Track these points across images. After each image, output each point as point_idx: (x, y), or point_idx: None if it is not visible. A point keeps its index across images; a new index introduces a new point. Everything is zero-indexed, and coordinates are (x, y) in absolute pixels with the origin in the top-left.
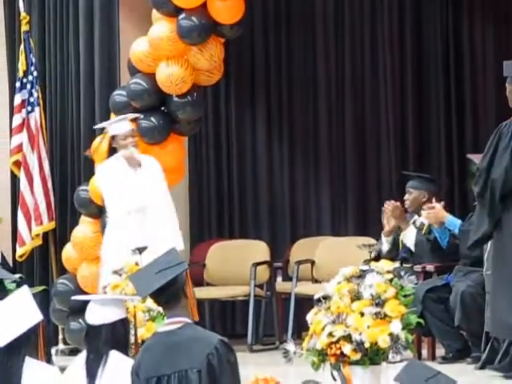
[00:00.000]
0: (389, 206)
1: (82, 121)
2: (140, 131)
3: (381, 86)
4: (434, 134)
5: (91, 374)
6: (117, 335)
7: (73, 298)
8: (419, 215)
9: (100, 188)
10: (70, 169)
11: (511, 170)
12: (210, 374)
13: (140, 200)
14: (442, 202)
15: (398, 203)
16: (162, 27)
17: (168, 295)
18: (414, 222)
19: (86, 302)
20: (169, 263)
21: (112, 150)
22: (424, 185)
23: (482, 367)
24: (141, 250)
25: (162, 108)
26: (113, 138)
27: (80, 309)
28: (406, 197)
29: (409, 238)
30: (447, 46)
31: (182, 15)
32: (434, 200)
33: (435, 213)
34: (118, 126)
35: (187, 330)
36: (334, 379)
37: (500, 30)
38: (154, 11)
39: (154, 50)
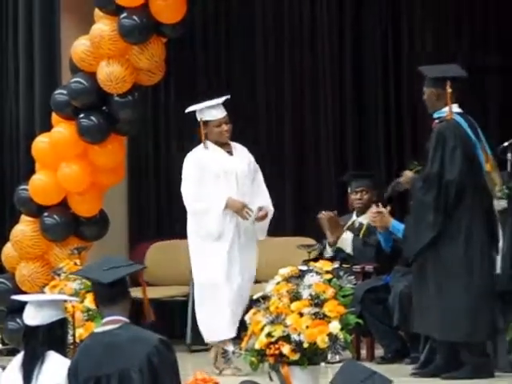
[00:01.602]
0: (324, 216)
1: (22, 120)
2: (80, 130)
3: (320, 87)
4: (373, 134)
5: (27, 374)
6: (54, 336)
7: (12, 297)
8: (357, 215)
9: (184, 179)
10: (9, 168)
11: (465, 170)
12: (151, 373)
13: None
14: (389, 207)
15: (333, 212)
16: (103, 26)
17: (116, 292)
18: (352, 224)
19: (25, 302)
20: (119, 262)
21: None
22: (375, 184)
23: (421, 368)
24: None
25: (103, 107)
26: (205, 124)
27: (18, 308)
28: (360, 196)
29: (346, 243)
30: (386, 46)
31: (124, 14)
32: (380, 204)
33: (381, 217)
34: (212, 111)
35: (126, 330)
36: (271, 379)
37: (439, 29)
38: (96, 10)
39: (95, 49)
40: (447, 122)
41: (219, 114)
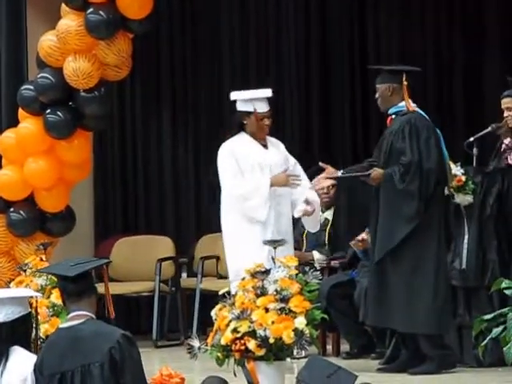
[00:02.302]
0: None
1: None
2: (46, 126)
3: (286, 89)
4: (339, 132)
5: None
6: (17, 333)
7: None
8: (323, 211)
9: (221, 169)
10: None
11: (439, 160)
12: (113, 368)
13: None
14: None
15: None
16: (70, 21)
17: (82, 286)
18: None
19: None
20: (85, 259)
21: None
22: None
23: (387, 363)
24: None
25: (70, 103)
26: (246, 114)
27: None
28: (326, 191)
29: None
30: (352, 46)
31: (90, 9)
32: (364, 233)
33: (364, 244)
34: (258, 103)
35: (90, 325)
36: (235, 375)
37: (403, 23)
38: (63, 5)
39: (62, 44)
40: (413, 114)
41: (264, 107)
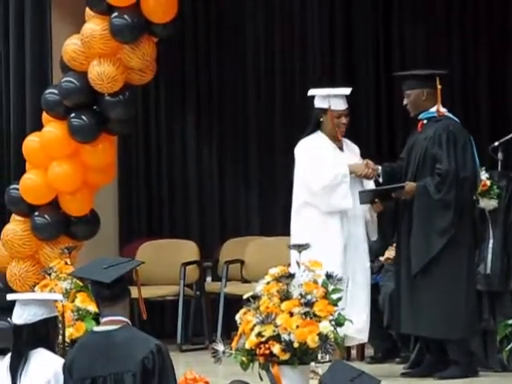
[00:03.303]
0: None
1: (12, 119)
2: (71, 130)
3: (310, 82)
4: (364, 138)
5: (13, 374)
6: (38, 335)
7: (8, 296)
8: None
9: (300, 167)
10: None
11: (476, 168)
12: (145, 378)
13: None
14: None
15: None
16: (94, 25)
17: (117, 291)
18: None
19: (15, 301)
20: (116, 260)
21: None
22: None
23: (411, 367)
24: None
25: (94, 107)
26: (324, 112)
27: (8, 307)
28: None
29: None
30: (377, 52)
31: (115, 13)
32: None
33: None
34: (337, 100)
35: (125, 332)
36: (261, 379)
37: (429, 27)
38: (87, 9)
39: (87, 49)
40: (448, 120)
41: (343, 104)
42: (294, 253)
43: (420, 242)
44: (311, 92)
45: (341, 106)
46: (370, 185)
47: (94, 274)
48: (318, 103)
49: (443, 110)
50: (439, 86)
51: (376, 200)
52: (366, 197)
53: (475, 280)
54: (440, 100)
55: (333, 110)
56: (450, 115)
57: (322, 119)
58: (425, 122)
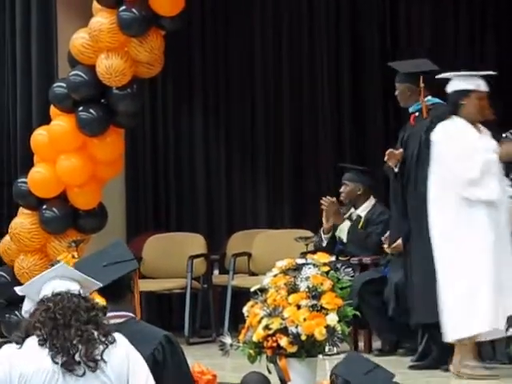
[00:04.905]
0: (325, 202)
1: (19, 113)
2: (79, 123)
3: (318, 80)
4: (372, 127)
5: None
6: None
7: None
8: (355, 208)
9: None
10: (6, 161)
11: None
12: (155, 369)
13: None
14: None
15: (334, 199)
16: (102, 19)
17: (113, 291)
18: (349, 216)
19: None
20: (118, 257)
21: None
22: (359, 177)
23: (419, 360)
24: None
25: (102, 100)
26: (465, 94)
27: (17, 301)
28: (342, 189)
29: (343, 231)
30: (384, 35)
31: (123, 7)
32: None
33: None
34: (478, 81)
35: (132, 325)
36: (269, 372)
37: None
38: (95, 2)
39: (95, 42)
40: (438, 106)
41: (485, 86)
42: (440, 250)
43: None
44: (450, 75)
45: (485, 87)
46: None
47: (91, 273)
48: (458, 85)
49: (428, 103)
50: (422, 85)
51: None
52: None
53: None
54: (423, 97)
55: (477, 91)
56: (437, 100)
57: (463, 102)
58: (416, 114)
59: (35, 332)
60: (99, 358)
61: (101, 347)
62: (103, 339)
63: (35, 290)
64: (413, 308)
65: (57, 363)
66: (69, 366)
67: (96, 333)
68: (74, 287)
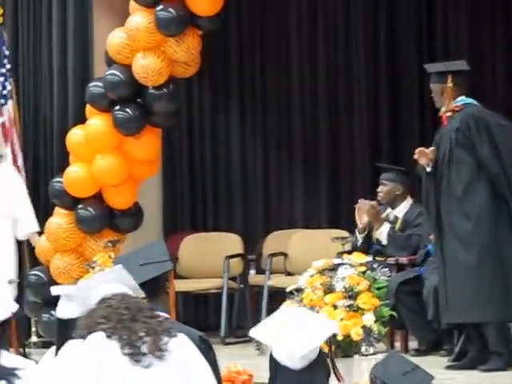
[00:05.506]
0: (364, 205)
1: (56, 113)
2: (115, 122)
3: (355, 83)
4: (408, 127)
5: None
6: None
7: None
8: (392, 208)
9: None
10: (42, 161)
11: None
12: None
13: None
14: None
15: (374, 202)
16: (139, 18)
17: (148, 291)
18: (386, 216)
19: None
20: (155, 257)
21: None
22: (398, 177)
23: (456, 360)
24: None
25: (138, 100)
26: None
27: (53, 301)
28: (380, 189)
29: (383, 234)
30: (421, 39)
31: (160, 6)
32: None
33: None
34: None
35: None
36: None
37: (475, 19)
38: (132, 2)
39: (131, 42)
40: (469, 107)
41: None
42: None
43: None
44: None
45: None
46: None
47: (127, 271)
48: None
49: (457, 104)
50: (450, 84)
51: None
52: None
53: None
54: (451, 97)
55: None
56: (470, 101)
57: None
58: (448, 114)
59: (99, 327)
60: (165, 347)
61: (166, 338)
62: (167, 333)
63: (88, 293)
64: (447, 307)
65: (125, 354)
66: (136, 357)
67: (160, 328)
68: (126, 290)
